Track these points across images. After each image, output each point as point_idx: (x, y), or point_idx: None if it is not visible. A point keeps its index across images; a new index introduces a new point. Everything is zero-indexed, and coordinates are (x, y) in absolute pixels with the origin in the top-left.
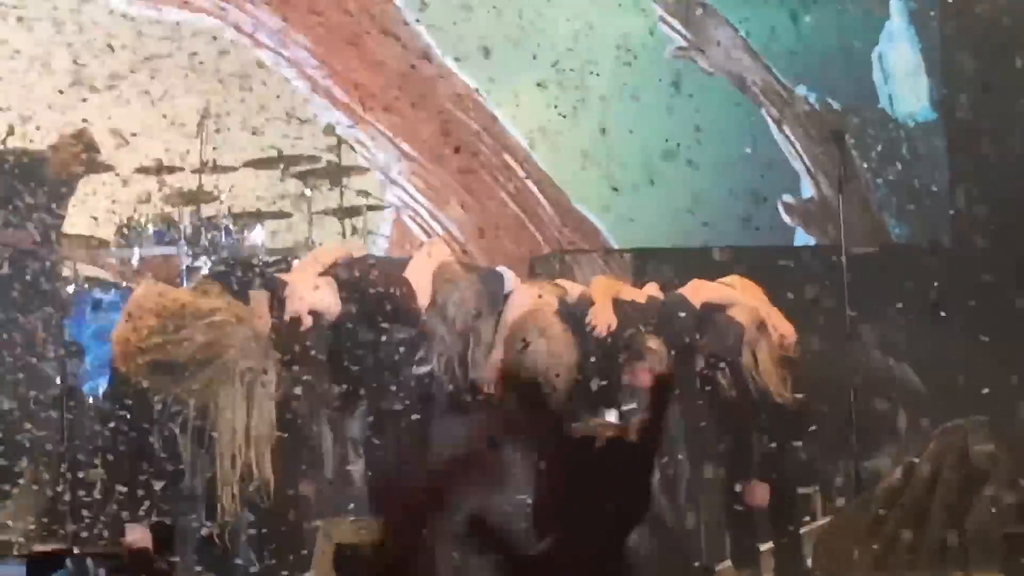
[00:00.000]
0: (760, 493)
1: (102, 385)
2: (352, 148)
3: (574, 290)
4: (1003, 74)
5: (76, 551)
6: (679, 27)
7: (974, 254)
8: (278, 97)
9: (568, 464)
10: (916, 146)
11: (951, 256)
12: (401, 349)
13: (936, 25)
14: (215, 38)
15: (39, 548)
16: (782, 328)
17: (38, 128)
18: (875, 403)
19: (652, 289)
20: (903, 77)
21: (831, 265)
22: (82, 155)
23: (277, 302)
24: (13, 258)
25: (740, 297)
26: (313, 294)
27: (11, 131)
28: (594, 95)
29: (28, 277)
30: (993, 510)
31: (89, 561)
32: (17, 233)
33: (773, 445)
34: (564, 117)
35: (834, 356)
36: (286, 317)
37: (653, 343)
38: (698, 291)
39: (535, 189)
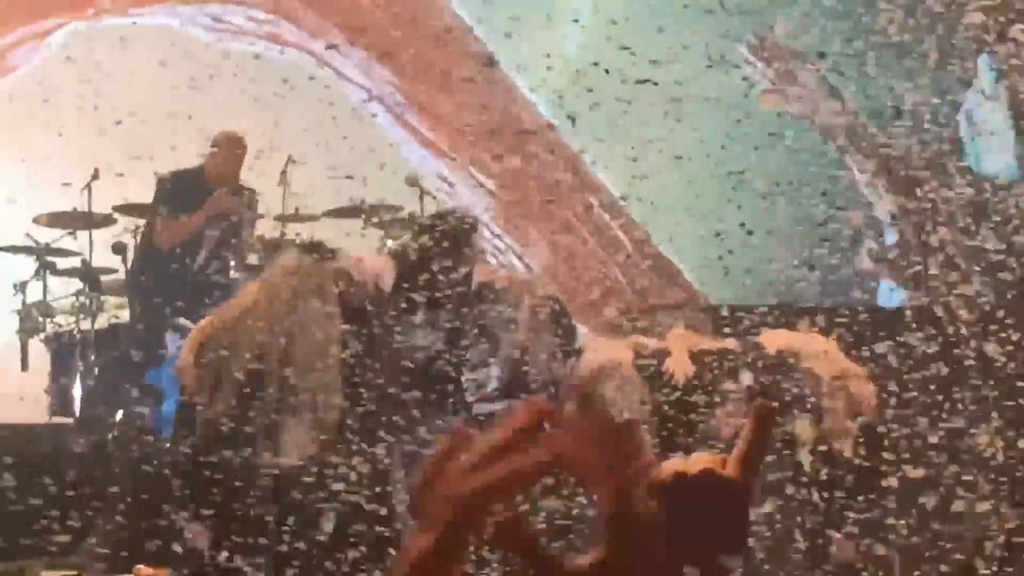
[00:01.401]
0: (846, 548)
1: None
2: (431, 195)
3: (651, 343)
4: None
5: None
6: (764, 69)
7: None
8: (362, 140)
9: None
10: (1001, 206)
11: None
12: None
13: None
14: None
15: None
16: (862, 389)
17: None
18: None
19: (730, 343)
20: (990, 136)
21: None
22: (238, 154)
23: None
24: None
25: (817, 349)
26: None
27: (96, 175)
28: (680, 140)
29: None
30: None
31: None
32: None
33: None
34: (646, 163)
35: (919, 421)
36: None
37: (732, 386)
38: (774, 340)
39: (617, 230)
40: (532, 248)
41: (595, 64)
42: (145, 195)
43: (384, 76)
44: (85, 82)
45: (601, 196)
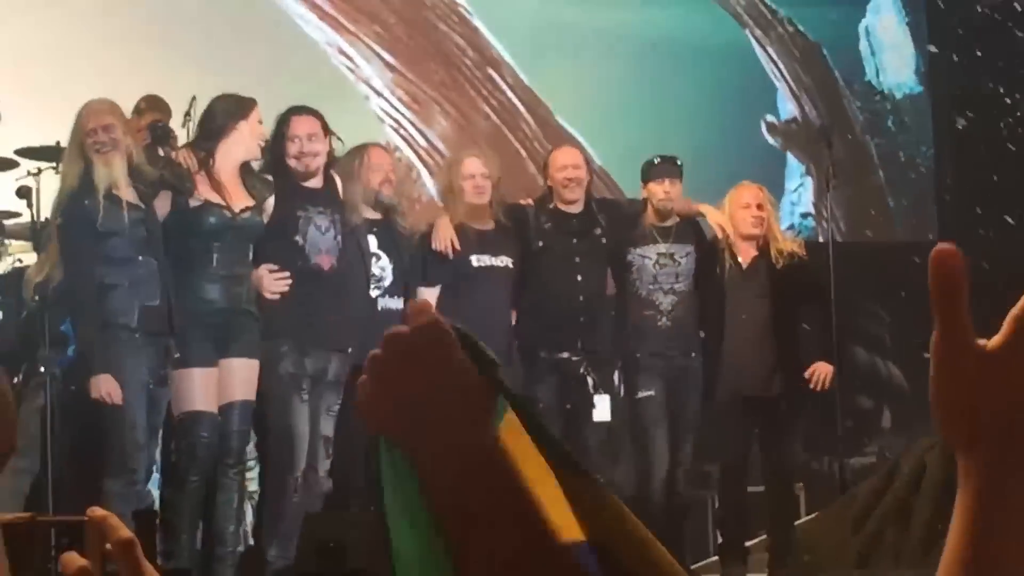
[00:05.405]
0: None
1: None
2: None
3: None
4: (990, 47)
5: (39, 519)
6: None
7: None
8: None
9: None
10: (902, 118)
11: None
12: None
13: None
14: None
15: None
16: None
17: None
18: (860, 401)
19: None
20: (889, 49)
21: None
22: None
23: None
24: None
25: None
26: None
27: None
28: (575, 13)
29: None
30: None
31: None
32: None
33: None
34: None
35: (822, 352)
36: None
37: None
38: None
39: (518, 103)
40: (431, 122)
41: None
42: (48, 137)
43: None
44: None
45: (500, 69)
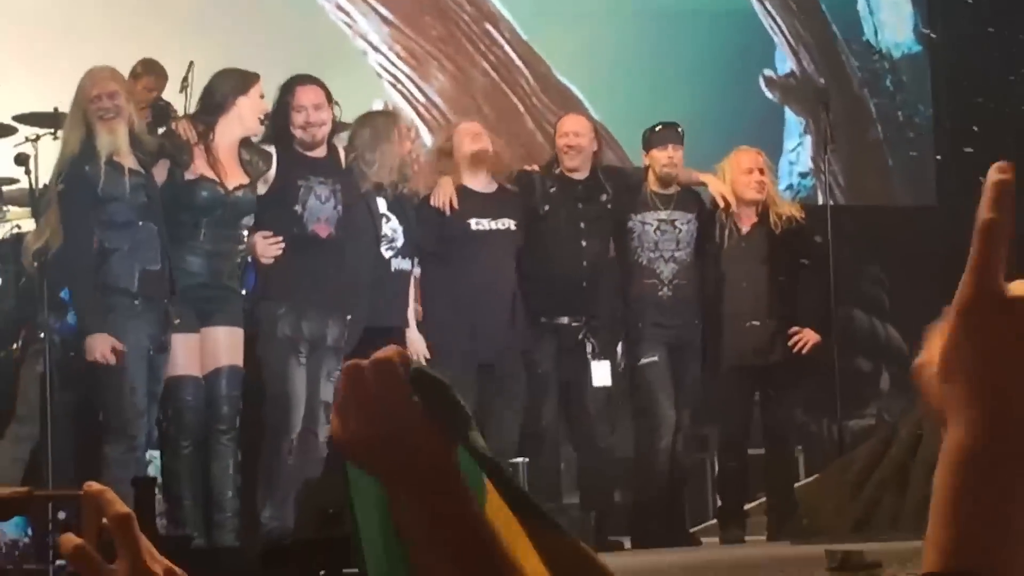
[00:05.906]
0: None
1: None
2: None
3: None
4: (989, 6)
5: (36, 493)
6: None
7: (958, 207)
8: None
9: None
10: (900, 77)
11: (936, 211)
12: None
13: None
14: None
15: None
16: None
17: None
18: (858, 363)
19: None
20: (887, 8)
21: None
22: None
23: None
24: None
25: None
26: None
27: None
28: None
29: None
30: None
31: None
32: None
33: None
34: None
35: (818, 317)
36: None
37: None
38: None
39: (516, 59)
40: (428, 77)
41: None
42: (46, 103)
43: None
44: None
45: (499, 24)
